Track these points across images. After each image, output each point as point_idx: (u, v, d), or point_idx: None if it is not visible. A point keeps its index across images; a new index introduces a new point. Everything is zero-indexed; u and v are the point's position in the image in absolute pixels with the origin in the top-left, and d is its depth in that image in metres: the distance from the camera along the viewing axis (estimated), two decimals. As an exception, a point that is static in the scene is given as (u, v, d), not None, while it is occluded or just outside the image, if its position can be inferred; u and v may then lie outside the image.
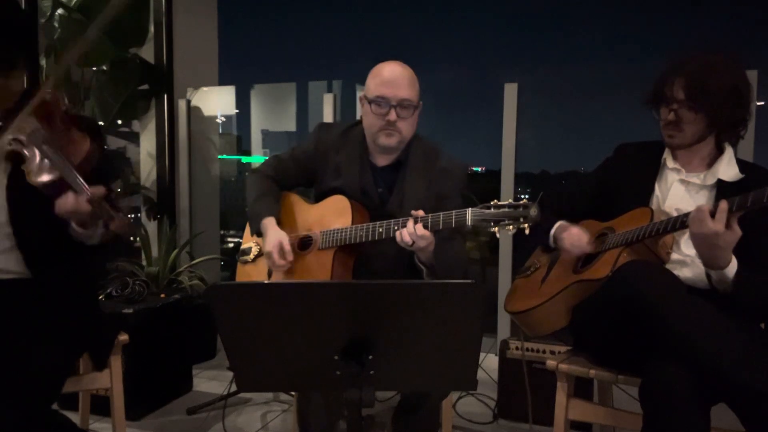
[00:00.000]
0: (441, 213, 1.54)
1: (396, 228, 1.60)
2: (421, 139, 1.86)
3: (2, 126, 1.49)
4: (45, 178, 1.43)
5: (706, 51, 1.65)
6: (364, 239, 1.68)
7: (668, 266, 1.57)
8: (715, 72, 1.59)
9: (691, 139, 1.65)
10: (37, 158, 1.44)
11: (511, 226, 1.44)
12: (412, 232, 1.54)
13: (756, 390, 1.26)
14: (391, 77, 1.72)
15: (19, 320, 1.46)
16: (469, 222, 1.49)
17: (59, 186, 1.41)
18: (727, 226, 1.39)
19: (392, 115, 1.70)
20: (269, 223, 1.79)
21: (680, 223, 1.48)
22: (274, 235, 1.76)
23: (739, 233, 1.40)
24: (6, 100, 1.50)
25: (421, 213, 1.57)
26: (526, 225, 1.43)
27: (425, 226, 1.55)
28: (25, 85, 1.55)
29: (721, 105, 1.58)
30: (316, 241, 1.80)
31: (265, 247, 1.77)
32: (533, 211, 1.42)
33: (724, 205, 1.39)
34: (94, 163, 1.49)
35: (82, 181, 1.40)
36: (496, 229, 1.45)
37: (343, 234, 1.72)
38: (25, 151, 1.45)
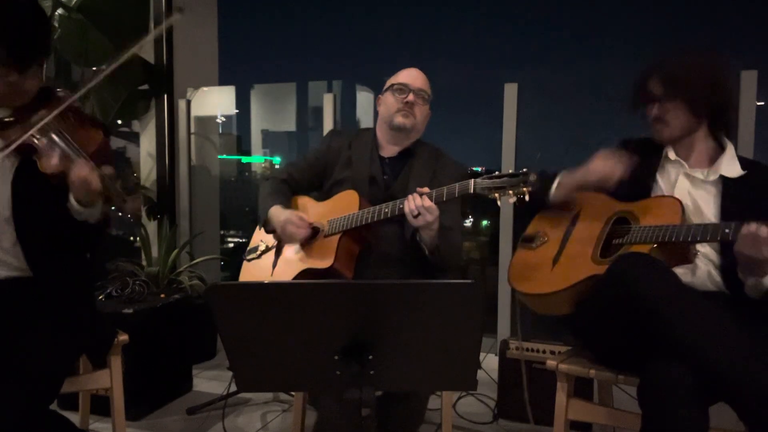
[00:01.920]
0: (445, 186, 1.64)
1: (401, 206, 1.68)
2: (425, 142, 2.02)
3: (15, 121, 1.50)
4: (57, 165, 1.44)
5: (681, 49, 1.71)
6: (370, 220, 1.75)
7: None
8: (689, 62, 1.65)
9: (680, 131, 1.68)
10: (50, 148, 1.46)
11: (511, 192, 1.54)
12: (419, 203, 1.64)
13: (756, 390, 1.26)
14: (411, 73, 1.96)
15: (18, 320, 1.46)
16: (472, 190, 1.59)
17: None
18: None
19: (411, 97, 1.91)
20: (277, 208, 1.89)
21: (722, 234, 1.44)
22: (284, 212, 1.86)
23: None
24: (20, 98, 1.51)
25: (426, 190, 1.66)
26: (526, 189, 1.52)
27: (430, 198, 1.64)
28: (33, 86, 1.56)
29: (696, 91, 1.62)
30: (323, 230, 1.86)
31: (283, 216, 1.84)
32: (532, 177, 1.52)
33: None
34: (105, 155, 1.52)
35: (93, 165, 1.42)
36: (497, 195, 1.55)
37: (349, 219, 1.79)
38: (37, 142, 1.47)
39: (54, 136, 1.46)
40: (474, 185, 1.59)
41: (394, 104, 1.92)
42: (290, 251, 1.91)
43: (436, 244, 1.74)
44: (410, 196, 1.66)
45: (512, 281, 1.77)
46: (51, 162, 1.43)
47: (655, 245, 1.52)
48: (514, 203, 1.56)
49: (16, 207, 1.51)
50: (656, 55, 1.73)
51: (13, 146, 1.44)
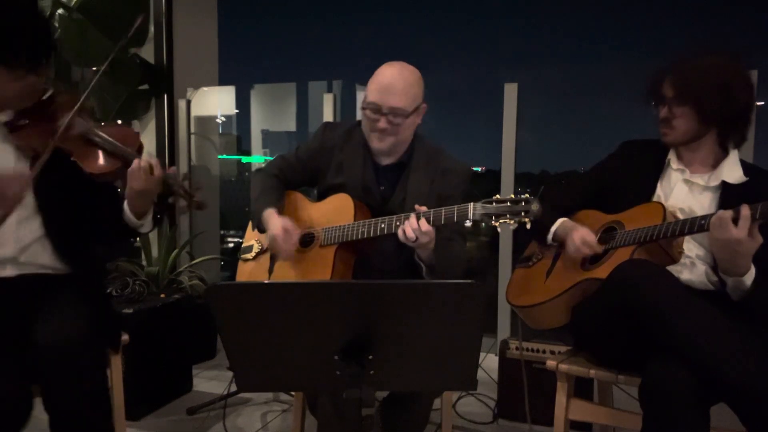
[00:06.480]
0: (443, 208, 1.55)
1: (398, 224, 1.61)
2: (424, 140, 1.86)
3: (28, 123, 1.51)
4: (108, 166, 1.47)
5: (698, 51, 1.67)
6: (366, 235, 1.68)
7: (669, 267, 1.57)
8: (703, 68, 1.61)
9: (684, 136, 1.66)
10: (94, 149, 1.49)
11: (512, 221, 1.46)
12: (415, 227, 1.55)
13: (756, 390, 1.26)
14: (385, 83, 1.70)
15: (42, 307, 1.47)
16: (470, 216, 1.50)
17: (123, 172, 1.47)
18: (748, 233, 1.37)
19: (382, 123, 1.70)
20: (270, 214, 1.79)
21: (698, 225, 1.46)
22: (277, 220, 1.75)
23: (761, 241, 1.39)
24: (32, 98, 1.52)
25: (424, 209, 1.58)
26: (527, 220, 1.45)
27: (428, 221, 1.56)
28: (45, 85, 1.57)
29: (708, 99, 1.59)
30: (318, 238, 1.80)
31: (270, 232, 1.75)
32: (535, 206, 1.44)
33: (746, 211, 1.37)
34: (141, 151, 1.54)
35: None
36: (498, 223, 1.47)
37: (345, 230, 1.73)
38: (74, 145, 1.49)
39: (95, 139, 1.49)
40: (473, 211, 1.50)
41: (368, 124, 1.75)
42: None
43: (432, 261, 1.67)
44: (406, 223, 1.57)
45: (510, 298, 1.82)
46: (99, 162, 1.46)
47: (637, 247, 1.56)
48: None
49: (41, 201, 1.51)
50: (673, 55, 1.69)
51: (48, 152, 1.43)
